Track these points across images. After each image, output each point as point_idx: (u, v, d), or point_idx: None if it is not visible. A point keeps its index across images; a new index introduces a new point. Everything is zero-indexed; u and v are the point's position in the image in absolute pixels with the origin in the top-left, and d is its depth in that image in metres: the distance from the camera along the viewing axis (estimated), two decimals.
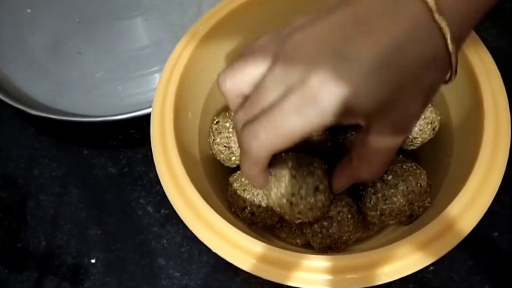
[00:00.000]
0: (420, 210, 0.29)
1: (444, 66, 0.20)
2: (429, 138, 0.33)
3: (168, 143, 0.29)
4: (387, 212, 0.29)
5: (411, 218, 0.29)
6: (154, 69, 0.49)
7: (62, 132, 0.47)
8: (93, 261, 0.39)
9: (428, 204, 0.29)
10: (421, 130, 0.32)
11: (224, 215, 0.27)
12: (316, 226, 0.30)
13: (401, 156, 0.31)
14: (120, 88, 0.48)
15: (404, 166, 0.29)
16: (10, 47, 0.51)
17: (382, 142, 0.21)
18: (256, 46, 0.22)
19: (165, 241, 0.39)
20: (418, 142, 0.33)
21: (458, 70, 0.21)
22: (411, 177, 0.28)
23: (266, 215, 0.31)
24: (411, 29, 0.19)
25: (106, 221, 0.41)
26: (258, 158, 0.22)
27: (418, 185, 0.28)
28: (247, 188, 0.32)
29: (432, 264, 0.36)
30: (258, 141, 0.21)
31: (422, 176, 0.29)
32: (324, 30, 0.20)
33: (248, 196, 0.31)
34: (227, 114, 0.35)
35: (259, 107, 0.21)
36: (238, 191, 0.32)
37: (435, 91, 0.21)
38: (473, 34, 0.31)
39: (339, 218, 0.30)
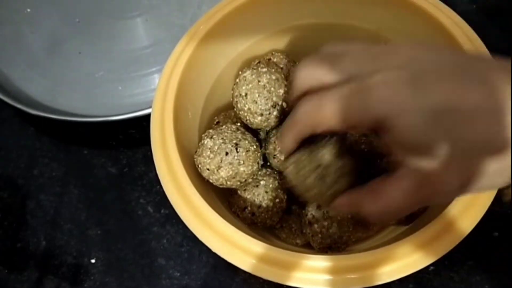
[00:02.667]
0: (420, 210, 0.28)
1: (503, 166, 0.18)
2: None
3: (168, 143, 0.29)
4: None
5: (411, 218, 0.29)
6: (154, 69, 0.49)
7: (62, 132, 0.47)
8: (93, 261, 0.39)
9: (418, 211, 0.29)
10: None
11: (224, 215, 0.27)
12: (316, 226, 0.30)
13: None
14: (120, 88, 0.48)
15: None
16: (10, 47, 0.51)
17: (402, 189, 0.20)
18: (340, 63, 0.22)
19: (165, 241, 0.39)
20: None
21: None
22: None
23: (266, 215, 0.32)
24: (481, 103, 0.18)
25: (106, 221, 0.41)
26: (302, 128, 0.23)
27: None
28: (248, 188, 0.32)
29: (432, 264, 0.36)
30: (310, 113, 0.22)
31: None
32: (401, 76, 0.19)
33: (248, 196, 0.31)
34: (227, 114, 0.35)
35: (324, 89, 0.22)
36: (239, 191, 0.32)
37: (481, 183, 0.19)
38: (473, 33, 0.31)
39: (339, 218, 0.30)
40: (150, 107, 0.39)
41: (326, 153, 0.25)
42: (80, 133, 0.46)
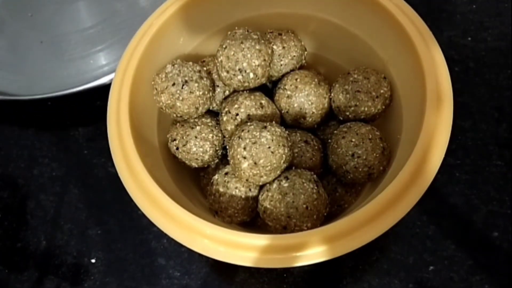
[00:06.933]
0: (296, 228, 0.28)
1: None
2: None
3: (124, 131, 0.29)
4: (268, 212, 0.29)
5: (285, 230, 0.29)
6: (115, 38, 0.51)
7: (62, 132, 0.47)
8: (93, 261, 0.39)
9: (305, 228, 0.28)
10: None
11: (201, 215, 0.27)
12: (213, 188, 0.32)
13: (311, 173, 0.30)
14: (91, 61, 0.49)
15: (305, 184, 0.29)
16: None
17: None
18: None
19: (165, 240, 0.39)
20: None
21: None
22: (302, 196, 0.28)
23: (187, 156, 0.34)
24: None
25: (106, 221, 0.41)
26: None
27: (305, 206, 0.28)
28: (185, 125, 0.34)
29: (432, 264, 0.36)
30: None
31: (316, 202, 0.29)
32: None
33: (181, 132, 0.34)
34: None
35: None
36: (178, 124, 0.34)
37: None
38: (427, 30, 0.31)
39: (233, 193, 0.31)
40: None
41: None
42: (80, 132, 0.46)
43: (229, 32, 0.33)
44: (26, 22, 0.54)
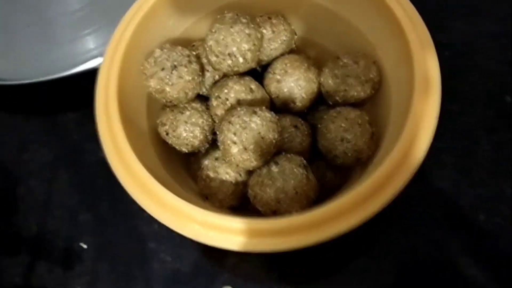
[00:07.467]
0: (285, 213, 0.28)
1: None
2: None
3: (113, 117, 0.29)
4: (258, 197, 0.29)
5: (275, 215, 0.29)
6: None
7: (51, 117, 0.46)
8: (84, 246, 0.39)
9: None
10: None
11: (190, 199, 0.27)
12: (204, 173, 0.32)
13: (301, 158, 0.30)
14: (80, 45, 0.48)
15: (295, 169, 0.29)
16: None
17: None
18: None
19: (156, 225, 0.39)
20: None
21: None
22: (292, 181, 0.28)
23: (177, 141, 0.33)
24: None
25: (97, 206, 0.41)
26: None
27: (294, 191, 0.28)
28: (175, 110, 0.34)
29: (420, 247, 0.37)
30: None
31: (305, 187, 0.29)
32: None
33: (171, 117, 0.33)
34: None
35: None
36: (168, 109, 0.34)
37: None
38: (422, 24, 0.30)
39: (223, 178, 0.31)
40: None
41: None
42: (70, 117, 0.46)
43: (218, 16, 0.33)
44: (12, 5, 0.52)
